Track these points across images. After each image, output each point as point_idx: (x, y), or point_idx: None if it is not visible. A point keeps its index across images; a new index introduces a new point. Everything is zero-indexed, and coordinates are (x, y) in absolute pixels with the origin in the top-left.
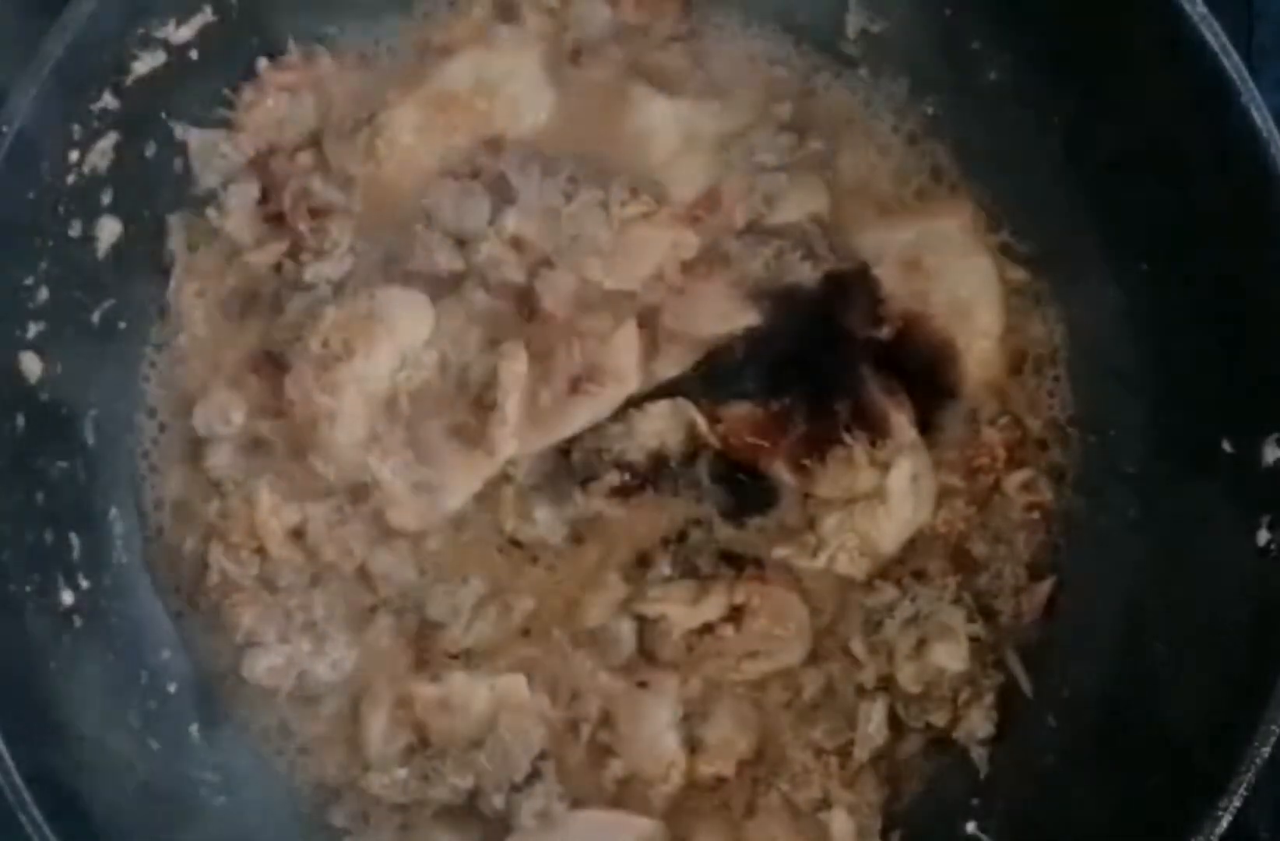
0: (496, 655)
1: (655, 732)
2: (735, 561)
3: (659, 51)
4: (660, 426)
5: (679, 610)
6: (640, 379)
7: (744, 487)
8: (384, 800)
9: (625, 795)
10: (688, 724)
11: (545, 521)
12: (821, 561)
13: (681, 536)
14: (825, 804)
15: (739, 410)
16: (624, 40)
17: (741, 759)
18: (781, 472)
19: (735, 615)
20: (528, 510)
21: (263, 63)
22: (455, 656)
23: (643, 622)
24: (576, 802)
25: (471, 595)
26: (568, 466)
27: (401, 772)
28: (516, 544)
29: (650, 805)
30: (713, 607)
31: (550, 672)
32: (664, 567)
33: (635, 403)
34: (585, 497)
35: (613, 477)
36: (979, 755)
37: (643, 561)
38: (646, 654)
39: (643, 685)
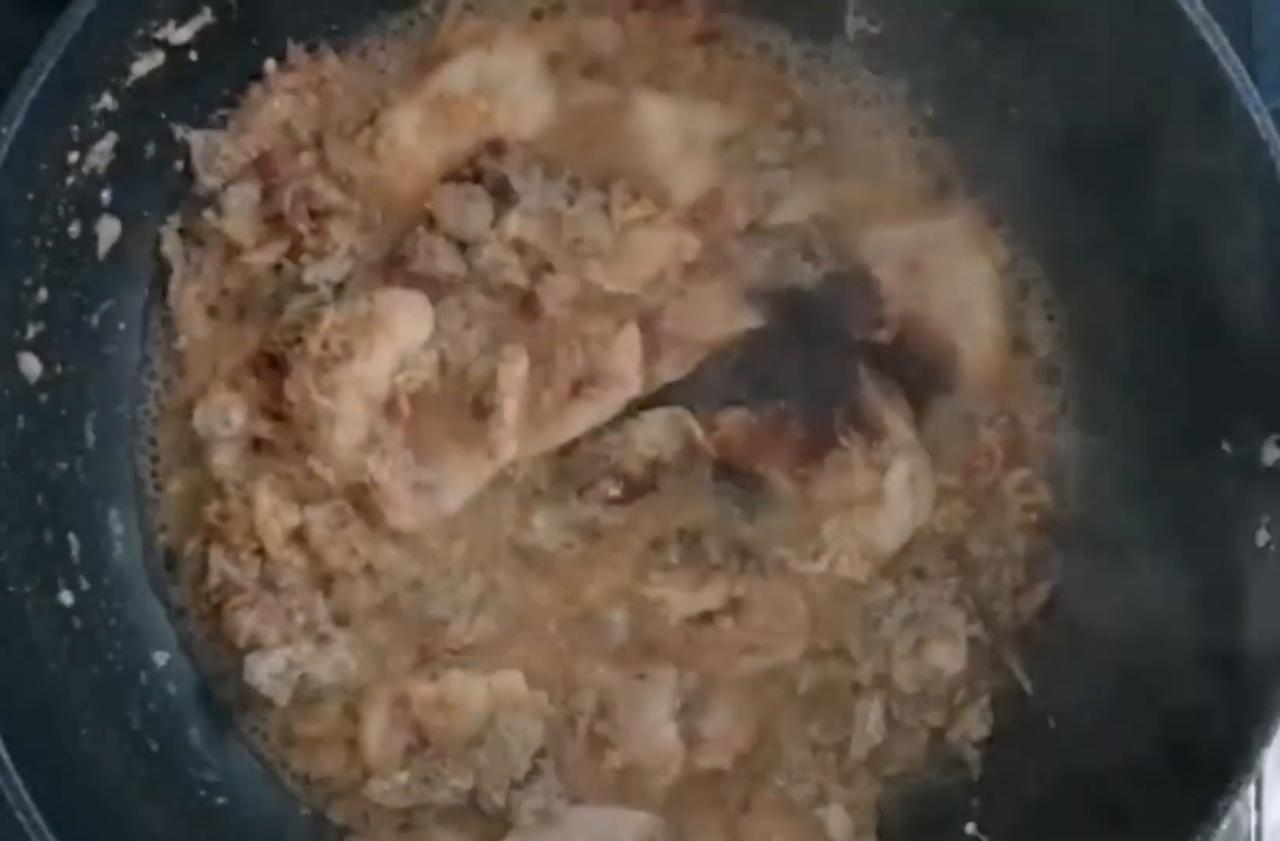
0: (495, 651)
1: (654, 724)
2: (745, 556)
3: (676, 54)
4: (657, 435)
5: (678, 595)
6: (641, 382)
7: (745, 489)
8: (386, 806)
9: (623, 787)
10: (686, 716)
11: (543, 529)
12: (822, 565)
13: (697, 532)
14: (821, 800)
15: (734, 418)
16: (637, 55)
17: (739, 753)
18: (779, 479)
19: (735, 608)
20: (526, 516)
21: (270, 64)
22: (458, 653)
23: (642, 610)
24: (575, 795)
25: (473, 591)
26: (567, 473)
27: (402, 776)
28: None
29: (648, 797)
30: (712, 596)
31: (547, 666)
32: (672, 556)
33: (632, 411)
34: (582, 505)
35: (609, 486)
36: (973, 757)
37: (655, 547)
38: (645, 645)
39: (641, 677)
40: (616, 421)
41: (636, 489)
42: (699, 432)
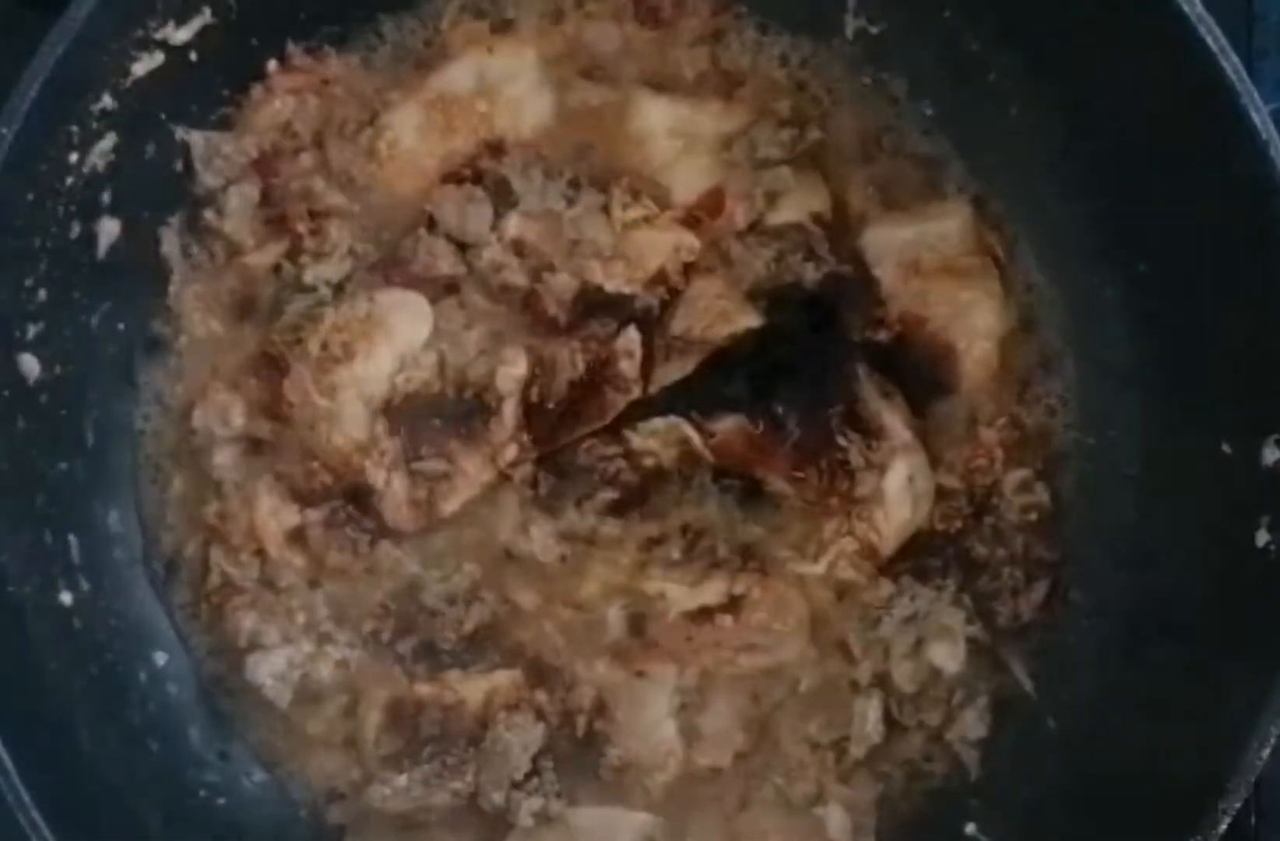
0: (492, 647)
1: (653, 721)
2: (747, 554)
3: (677, 54)
4: (655, 445)
5: (678, 590)
6: (642, 383)
7: (744, 492)
8: (387, 810)
9: (622, 784)
10: (685, 714)
11: (540, 538)
12: (822, 566)
13: (699, 530)
14: (820, 799)
15: (731, 423)
16: (637, 55)
17: (738, 751)
18: (778, 482)
19: (735, 606)
20: (524, 524)
21: (272, 65)
22: (454, 646)
23: (641, 607)
24: (575, 794)
25: (466, 580)
26: (564, 484)
27: (402, 780)
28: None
29: (647, 795)
30: (711, 592)
31: (546, 664)
32: (673, 552)
33: (631, 415)
34: (580, 516)
35: (606, 496)
36: (972, 757)
37: (655, 543)
38: (644, 642)
39: (640, 675)
40: (614, 431)
41: (634, 499)
42: (697, 440)
